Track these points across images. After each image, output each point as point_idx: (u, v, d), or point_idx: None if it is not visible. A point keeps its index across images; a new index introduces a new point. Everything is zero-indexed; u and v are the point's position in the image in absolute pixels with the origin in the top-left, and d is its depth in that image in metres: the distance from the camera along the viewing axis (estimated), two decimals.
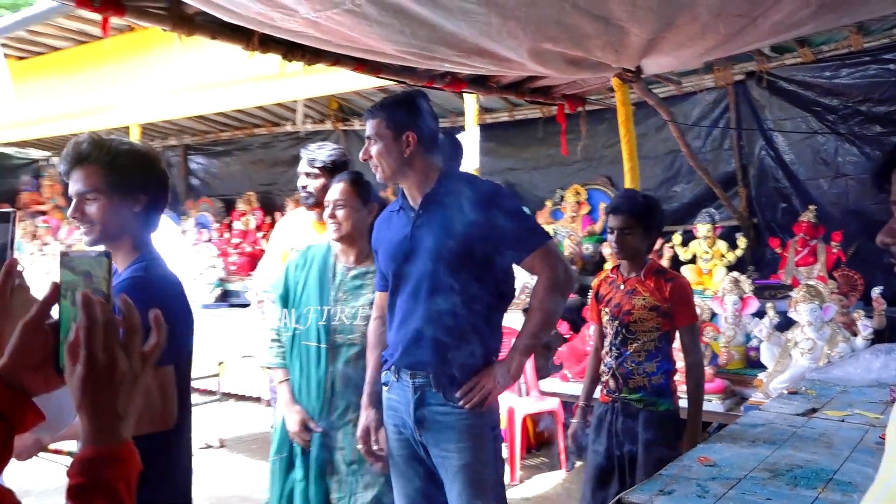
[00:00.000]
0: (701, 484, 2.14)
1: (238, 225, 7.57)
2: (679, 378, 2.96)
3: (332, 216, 2.68)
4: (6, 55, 5.53)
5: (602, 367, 2.95)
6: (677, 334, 2.87)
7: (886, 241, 1.08)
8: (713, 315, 4.45)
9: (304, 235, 3.32)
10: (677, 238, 5.10)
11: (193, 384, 5.98)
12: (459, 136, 4.07)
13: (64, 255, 0.86)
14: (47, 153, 9.36)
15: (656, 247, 5.17)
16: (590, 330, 4.11)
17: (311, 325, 2.70)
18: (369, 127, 2.26)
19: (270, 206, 7.59)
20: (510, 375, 2.18)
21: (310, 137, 6.97)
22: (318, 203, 3.18)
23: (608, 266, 4.63)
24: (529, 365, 4.60)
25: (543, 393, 4.52)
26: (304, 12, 1.95)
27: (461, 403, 2.18)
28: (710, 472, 2.24)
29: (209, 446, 5.10)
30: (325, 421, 2.66)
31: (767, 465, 2.24)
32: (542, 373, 4.70)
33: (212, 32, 2.46)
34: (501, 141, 6.18)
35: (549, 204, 5.89)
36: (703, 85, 5.27)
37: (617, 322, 2.86)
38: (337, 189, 2.70)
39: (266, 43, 2.60)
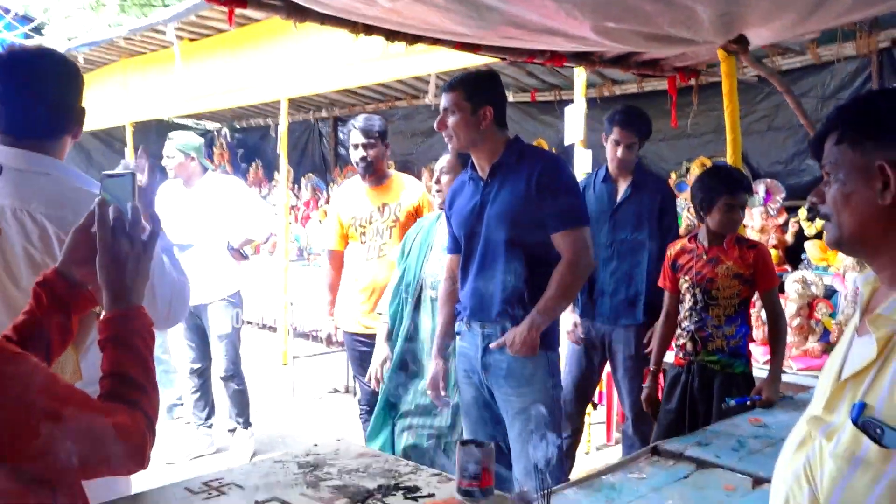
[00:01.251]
0: (741, 440, 2.18)
1: None
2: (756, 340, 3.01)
3: (438, 182, 2.94)
4: (181, 37, 6.28)
5: (679, 331, 3.05)
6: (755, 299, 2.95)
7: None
8: (831, 292, 4.30)
9: (357, 203, 3.57)
10: (803, 213, 4.93)
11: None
12: (567, 109, 4.21)
13: (104, 177, 1.14)
14: (218, 124, 10.39)
15: (780, 221, 5.05)
16: None
17: (411, 279, 3.01)
18: (447, 99, 2.43)
19: (408, 174, 7.96)
20: (527, 336, 2.35)
21: None
22: (375, 170, 3.46)
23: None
24: None
25: None
26: (383, 2, 2.21)
27: (492, 345, 2.42)
28: (756, 431, 2.28)
29: (336, 391, 5.66)
30: (415, 361, 2.97)
31: None
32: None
33: (321, 19, 2.77)
34: None
35: (673, 175, 5.84)
36: (843, 53, 4.95)
37: (698, 289, 2.96)
38: (444, 159, 2.95)
39: (370, 27, 2.89)
